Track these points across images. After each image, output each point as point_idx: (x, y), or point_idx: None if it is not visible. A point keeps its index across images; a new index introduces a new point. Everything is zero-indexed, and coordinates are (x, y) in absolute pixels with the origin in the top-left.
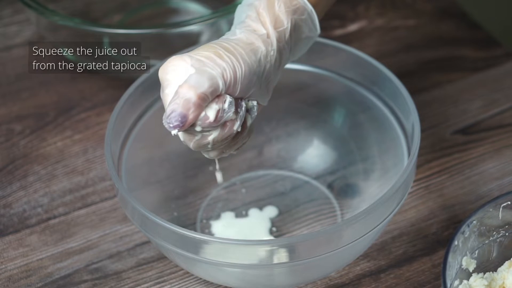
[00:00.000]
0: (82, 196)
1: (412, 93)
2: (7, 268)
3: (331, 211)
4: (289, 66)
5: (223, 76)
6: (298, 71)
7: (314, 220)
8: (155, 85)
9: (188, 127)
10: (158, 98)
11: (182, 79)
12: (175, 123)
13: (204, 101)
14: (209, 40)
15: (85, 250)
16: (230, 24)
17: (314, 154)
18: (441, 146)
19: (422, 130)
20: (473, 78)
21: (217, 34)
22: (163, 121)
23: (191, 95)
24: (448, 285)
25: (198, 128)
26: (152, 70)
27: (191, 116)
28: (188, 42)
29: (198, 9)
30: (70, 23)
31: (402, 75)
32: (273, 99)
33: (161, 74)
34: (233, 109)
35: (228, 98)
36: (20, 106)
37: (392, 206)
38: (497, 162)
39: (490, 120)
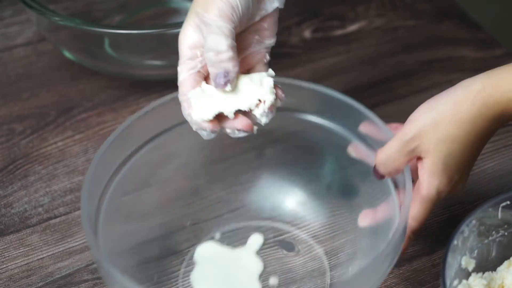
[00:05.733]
0: None
1: (412, 93)
2: (8, 267)
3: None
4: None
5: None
6: (288, 117)
7: (313, 220)
8: (126, 140)
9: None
10: (132, 155)
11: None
12: (224, 81)
13: (234, 48)
14: None
15: (86, 249)
16: None
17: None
18: None
19: None
20: None
21: None
22: (213, 81)
23: (225, 55)
24: (448, 284)
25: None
26: (119, 129)
27: (233, 71)
28: None
29: None
30: (71, 24)
31: (402, 76)
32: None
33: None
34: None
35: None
36: (21, 106)
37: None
38: (496, 162)
39: None
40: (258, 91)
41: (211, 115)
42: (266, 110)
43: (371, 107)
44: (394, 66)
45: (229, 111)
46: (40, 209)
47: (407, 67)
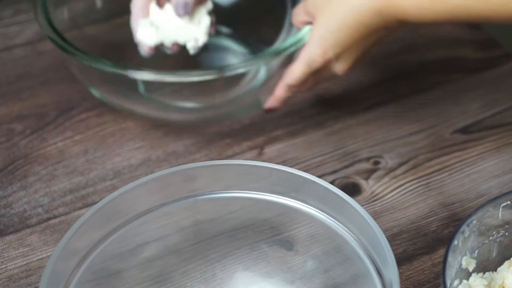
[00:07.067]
0: (82, 196)
1: (413, 93)
2: (8, 267)
3: None
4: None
5: None
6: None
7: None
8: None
9: None
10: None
11: None
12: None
13: None
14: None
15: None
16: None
17: None
18: (441, 145)
19: (423, 130)
20: (473, 78)
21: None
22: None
23: None
24: (448, 284)
25: None
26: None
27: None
28: None
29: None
30: (100, 66)
31: (402, 76)
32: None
33: None
34: None
35: None
36: (20, 106)
37: None
38: (497, 160)
39: (490, 119)
40: (196, 30)
41: (153, 44)
42: (197, 46)
43: (371, 107)
44: (394, 66)
45: (168, 43)
46: (39, 209)
47: (408, 67)
